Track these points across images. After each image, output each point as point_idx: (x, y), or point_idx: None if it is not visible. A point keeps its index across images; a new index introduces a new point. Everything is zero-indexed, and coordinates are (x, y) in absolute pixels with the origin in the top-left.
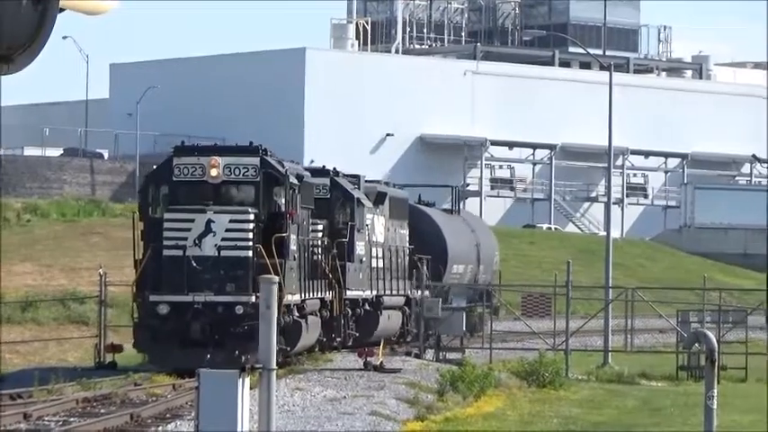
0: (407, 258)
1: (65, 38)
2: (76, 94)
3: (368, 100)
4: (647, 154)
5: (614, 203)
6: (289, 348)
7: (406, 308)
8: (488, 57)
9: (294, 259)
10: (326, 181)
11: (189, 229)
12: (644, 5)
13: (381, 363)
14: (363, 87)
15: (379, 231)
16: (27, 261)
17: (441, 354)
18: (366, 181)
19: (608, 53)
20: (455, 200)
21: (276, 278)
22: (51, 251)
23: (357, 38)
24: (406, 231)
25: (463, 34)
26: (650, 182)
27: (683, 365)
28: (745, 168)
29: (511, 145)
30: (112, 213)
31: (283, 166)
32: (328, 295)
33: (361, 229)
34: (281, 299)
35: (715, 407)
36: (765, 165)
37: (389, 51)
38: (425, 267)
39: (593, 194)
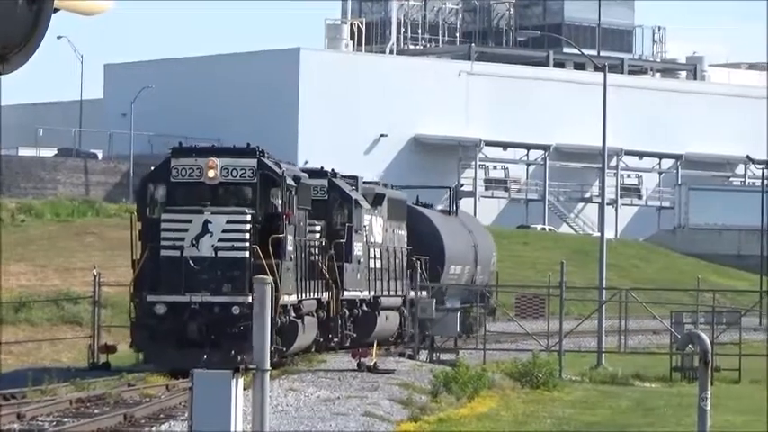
0: (406, 259)
1: (59, 38)
2: (71, 95)
3: (362, 100)
4: (641, 155)
5: (608, 204)
6: (285, 348)
7: (404, 308)
8: (483, 57)
9: (291, 260)
10: (324, 182)
11: (186, 230)
12: (638, 6)
13: (375, 363)
14: (358, 88)
15: (377, 232)
16: (21, 261)
17: (434, 355)
18: (364, 182)
19: (602, 54)
20: (452, 201)
21: (270, 278)
22: (45, 251)
23: (351, 38)
24: (404, 232)
25: (458, 35)
26: (644, 183)
27: (676, 366)
28: (740, 169)
29: (505, 145)
30: (106, 213)
31: (280, 168)
32: (325, 296)
33: (358, 230)
34: (277, 299)
35: (708, 408)
36: (759, 166)
37: (384, 52)
38: (422, 268)
39: (587, 195)
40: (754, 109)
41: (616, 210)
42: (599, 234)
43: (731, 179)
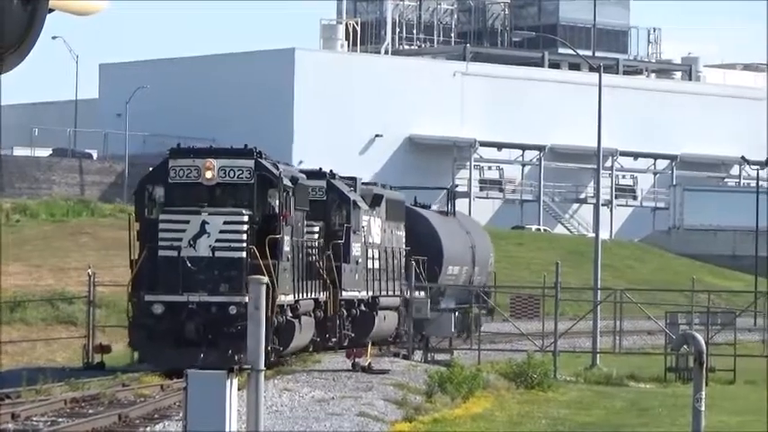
0: (404, 260)
1: (54, 38)
2: (66, 95)
3: (357, 100)
4: (636, 155)
5: (603, 205)
6: (282, 348)
7: (403, 309)
8: (478, 58)
9: (288, 260)
10: (323, 183)
11: (184, 230)
12: (633, 6)
13: (369, 364)
14: (353, 88)
15: (375, 233)
16: (16, 261)
17: (429, 355)
18: (363, 183)
19: (597, 54)
20: (450, 202)
21: (265, 279)
22: (40, 251)
23: (347, 38)
24: (402, 233)
25: (453, 35)
26: (639, 183)
27: (671, 367)
28: (734, 170)
29: (500, 146)
30: (101, 213)
31: (277, 169)
32: (323, 296)
33: (357, 231)
34: (274, 299)
35: (703, 408)
36: (754, 167)
37: (379, 52)
38: (419, 268)
39: (582, 196)
40: (749, 110)
41: (611, 210)
42: (594, 235)
43: (726, 180)
